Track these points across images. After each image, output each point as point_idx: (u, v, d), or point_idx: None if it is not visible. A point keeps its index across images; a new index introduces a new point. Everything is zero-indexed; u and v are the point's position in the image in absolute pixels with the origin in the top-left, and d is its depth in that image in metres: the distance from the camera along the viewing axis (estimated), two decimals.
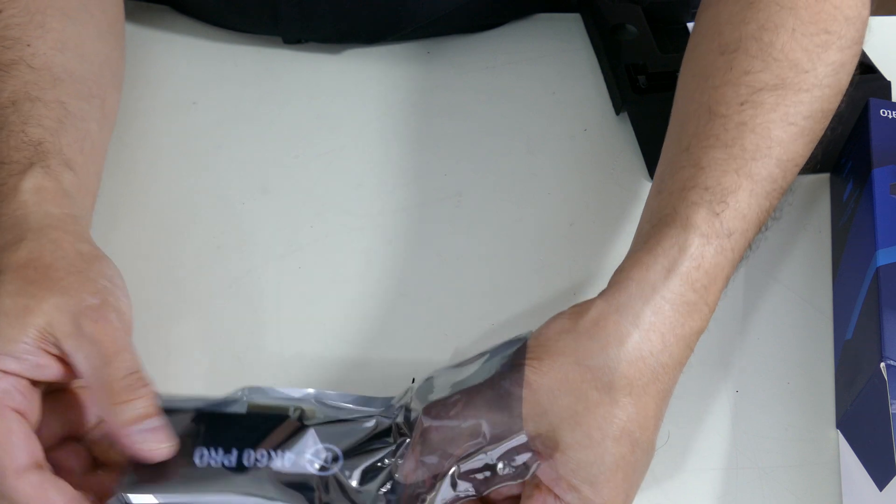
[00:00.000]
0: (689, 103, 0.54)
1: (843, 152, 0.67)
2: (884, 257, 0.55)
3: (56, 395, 0.48)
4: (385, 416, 0.48)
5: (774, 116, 0.51)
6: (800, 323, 0.60)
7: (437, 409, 0.46)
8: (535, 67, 0.78)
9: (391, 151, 0.71)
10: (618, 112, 0.73)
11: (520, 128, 0.73)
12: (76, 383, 0.48)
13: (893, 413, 0.48)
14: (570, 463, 0.44)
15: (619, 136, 0.72)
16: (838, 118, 0.56)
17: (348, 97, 0.75)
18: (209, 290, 0.62)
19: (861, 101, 0.65)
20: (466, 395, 0.46)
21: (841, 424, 0.54)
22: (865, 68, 0.70)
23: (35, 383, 0.45)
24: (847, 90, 0.56)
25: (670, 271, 0.46)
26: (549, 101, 0.75)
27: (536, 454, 0.45)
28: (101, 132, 0.59)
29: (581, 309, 0.47)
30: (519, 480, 0.45)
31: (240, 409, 0.48)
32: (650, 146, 0.69)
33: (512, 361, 0.46)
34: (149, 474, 0.45)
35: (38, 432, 0.45)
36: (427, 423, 0.45)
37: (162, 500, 0.44)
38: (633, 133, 0.71)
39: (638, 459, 0.45)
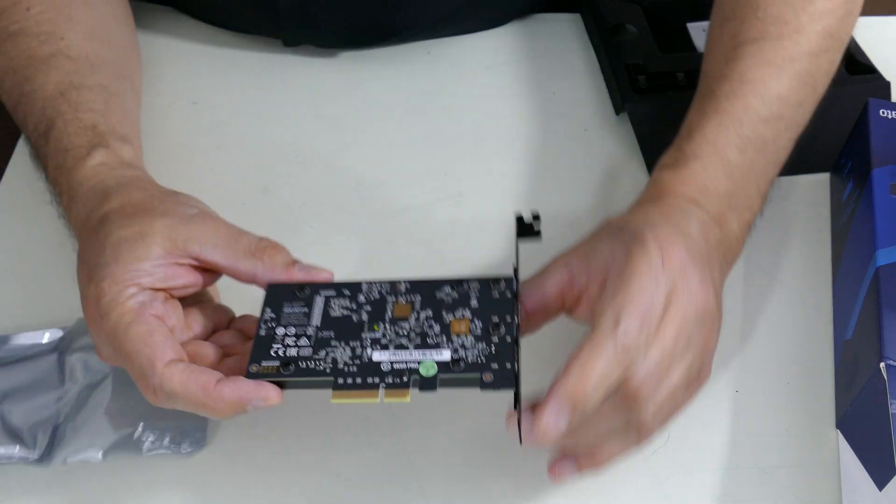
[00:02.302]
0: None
1: (843, 152, 0.67)
2: (883, 257, 0.55)
3: (195, 305, 0.52)
4: None
5: (751, 62, 0.58)
6: (800, 323, 0.60)
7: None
8: (535, 67, 0.78)
9: (391, 151, 0.71)
10: (618, 112, 0.73)
11: (520, 128, 0.73)
12: (211, 292, 0.54)
13: (893, 413, 0.48)
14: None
15: (619, 136, 0.72)
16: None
17: (348, 97, 0.75)
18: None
19: (861, 101, 0.65)
20: None
21: (841, 424, 0.54)
22: (865, 68, 0.70)
23: (172, 295, 0.50)
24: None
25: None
26: (549, 101, 0.75)
27: None
28: (136, 109, 0.65)
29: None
30: None
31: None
32: (650, 146, 0.69)
33: None
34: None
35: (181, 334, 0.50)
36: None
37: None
38: (633, 133, 0.71)
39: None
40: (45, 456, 0.53)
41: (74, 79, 0.59)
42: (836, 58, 0.61)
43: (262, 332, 0.48)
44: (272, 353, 0.47)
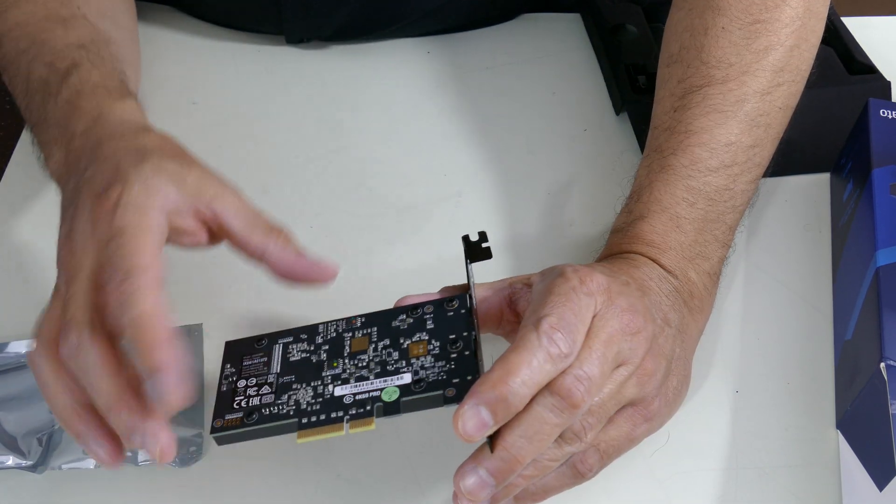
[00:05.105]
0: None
1: (842, 152, 0.67)
2: (884, 257, 0.55)
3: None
4: None
5: (697, 111, 0.58)
6: (800, 323, 0.60)
7: None
8: (535, 67, 0.78)
9: (391, 151, 0.71)
10: (618, 112, 0.73)
11: (520, 128, 0.73)
12: None
13: (893, 413, 0.48)
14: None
15: (619, 136, 0.72)
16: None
17: (348, 97, 0.75)
18: (209, 291, 0.62)
19: (861, 101, 0.65)
20: None
21: (841, 424, 0.54)
22: (865, 68, 0.70)
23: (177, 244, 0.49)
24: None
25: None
26: (549, 101, 0.75)
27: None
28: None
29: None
30: None
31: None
32: None
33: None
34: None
35: None
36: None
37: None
38: (633, 133, 0.71)
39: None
40: (40, 464, 0.53)
41: (96, 37, 0.59)
42: (795, 89, 0.61)
43: (224, 388, 0.48)
44: (235, 406, 0.47)
